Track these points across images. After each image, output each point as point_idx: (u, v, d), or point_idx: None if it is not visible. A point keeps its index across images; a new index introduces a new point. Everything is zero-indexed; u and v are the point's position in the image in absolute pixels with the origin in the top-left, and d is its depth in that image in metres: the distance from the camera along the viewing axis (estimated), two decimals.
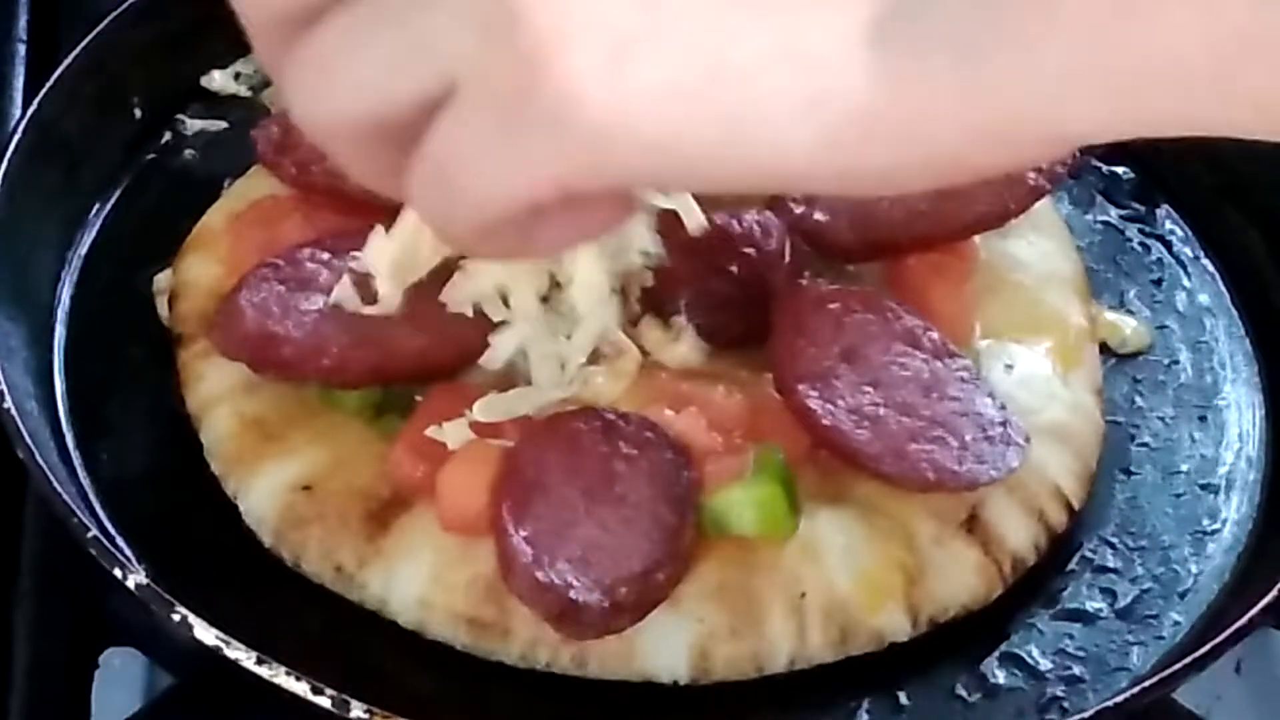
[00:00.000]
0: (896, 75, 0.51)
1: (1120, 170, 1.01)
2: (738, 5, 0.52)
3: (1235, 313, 0.96)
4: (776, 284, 0.85)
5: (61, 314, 0.90)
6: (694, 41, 0.52)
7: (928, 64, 0.51)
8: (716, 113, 0.52)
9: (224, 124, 0.99)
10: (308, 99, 0.57)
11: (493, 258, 0.73)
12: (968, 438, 0.81)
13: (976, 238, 0.91)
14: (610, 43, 0.51)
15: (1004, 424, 0.82)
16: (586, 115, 0.52)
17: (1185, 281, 0.97)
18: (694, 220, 0.79)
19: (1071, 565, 0.85)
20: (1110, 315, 0.94)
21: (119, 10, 0.97)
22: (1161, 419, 0.91)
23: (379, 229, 0.80)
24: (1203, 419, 0.91)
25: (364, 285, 0.81)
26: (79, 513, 0.77)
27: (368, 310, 0.82)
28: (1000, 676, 0.81)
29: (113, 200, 0.95)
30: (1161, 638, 0.83)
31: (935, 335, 0.84)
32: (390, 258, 0.80)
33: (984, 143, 0.52)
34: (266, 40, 0.58)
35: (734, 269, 0.85)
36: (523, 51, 0.52)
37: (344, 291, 0.82)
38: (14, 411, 0.80)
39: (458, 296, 0.83)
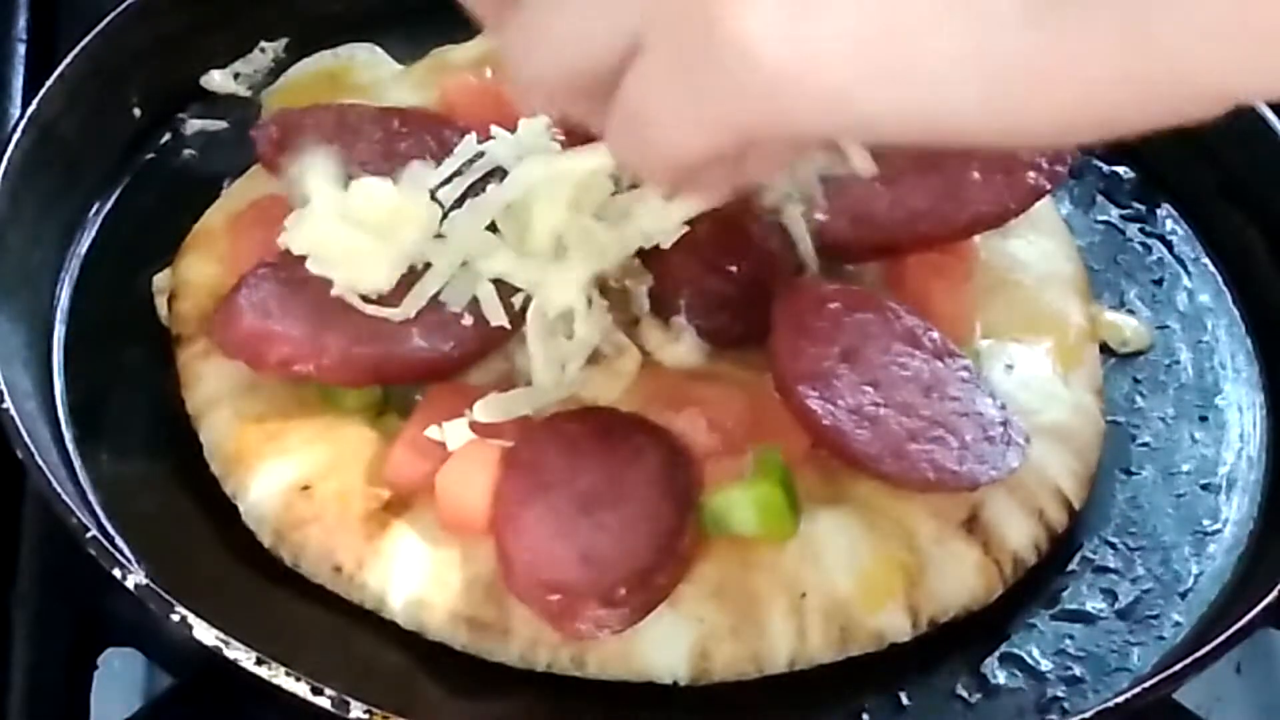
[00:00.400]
0: (1061, 30, 0.52)
1: (1120, 170, 1.01)
2: None
3: (1235, 313, 0.96)
4: (776, 284, 0.85)
5: (61, 314, 0.90)
6: None
7: (1091, 17, 0.52)
8: (888, 67, 0.54)
9: (224, 124, 0.99)
10: (519, 60, 0.63)
11: (687, 195, 0.77)
12: (968, 438, 0.81)
13: (976, 238, 0.91)
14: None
15: (1004, 424, 0.82)
16: (764, 69, 0.54)
17: (1185, 281, 0.97)
18: (863, 163, 0.79)
19: (1072, 565, 0.85)
20: (1110, 315, 0.94)
21: (119, 10, 0.97)
22: (1162, 419, 0.91)
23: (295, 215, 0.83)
24: (1203, 419, 0.91)
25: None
26: (79, 513, 0.77)
27: (369, 310, 0.82)
28: (1000, 676, 0.80)
29: (113, 200, 0.95)
30: (1162, 638, 0.82)
31: (935, 335, 0.84)
32: (307, 239, 0.82)
33: (1146, 98, 0.54)
34: (485, 8, 0.65)
35: (734, 269, 0.85)
36: (702, 8, 0.54)
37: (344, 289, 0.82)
38: (14, 411, 0.80)
39: (457, 296, 0.83)
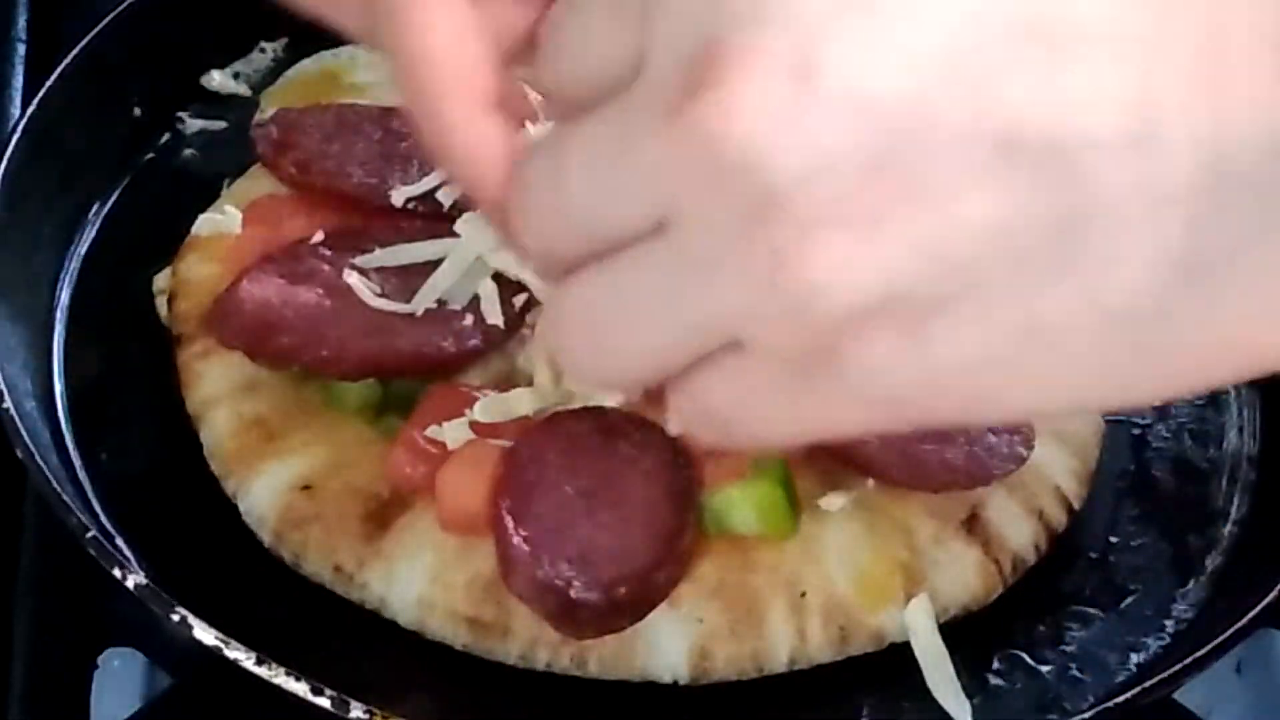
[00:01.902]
0: (1205, 316, 0.49)
1: None
2: (1030, 261, 0.48)
3: None
4: None
5: (61, 314, 0.90)
6: (993, 306, 0.49)
7: (1237, 305, 0.49)
8: (1025, 370, 0.50)
9: (224, 124, 0.99)
10: (578, 358, 0.54)
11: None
12: (973, 431, 0.81)
13: None
14: (910, 316, 0.49)
15: None
16: (890, 384, 0.50)
17: None
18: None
19: (1072, 565, 0.85)
20: None
21: (119, 10, 0.97)
22: (1161, 418, 0.91)
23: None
24: (1203, 418, 0.91)
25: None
26: (79, 513, 0.77)
27: (376, 303, 0.82)
28: (1000, 677, 0.80)
29: (113, 200, 0.95)
30: (1162, 638, 0.82)
31: None
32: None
33: (1266, 359, 0.51)
34: (544, 271, 0.55)
35: None
36: (819, 328, 0.49)
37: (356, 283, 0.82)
38: (14, 411, 0.80)
39: (459, 294, 0.84)
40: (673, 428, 0.55)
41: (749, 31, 0.47)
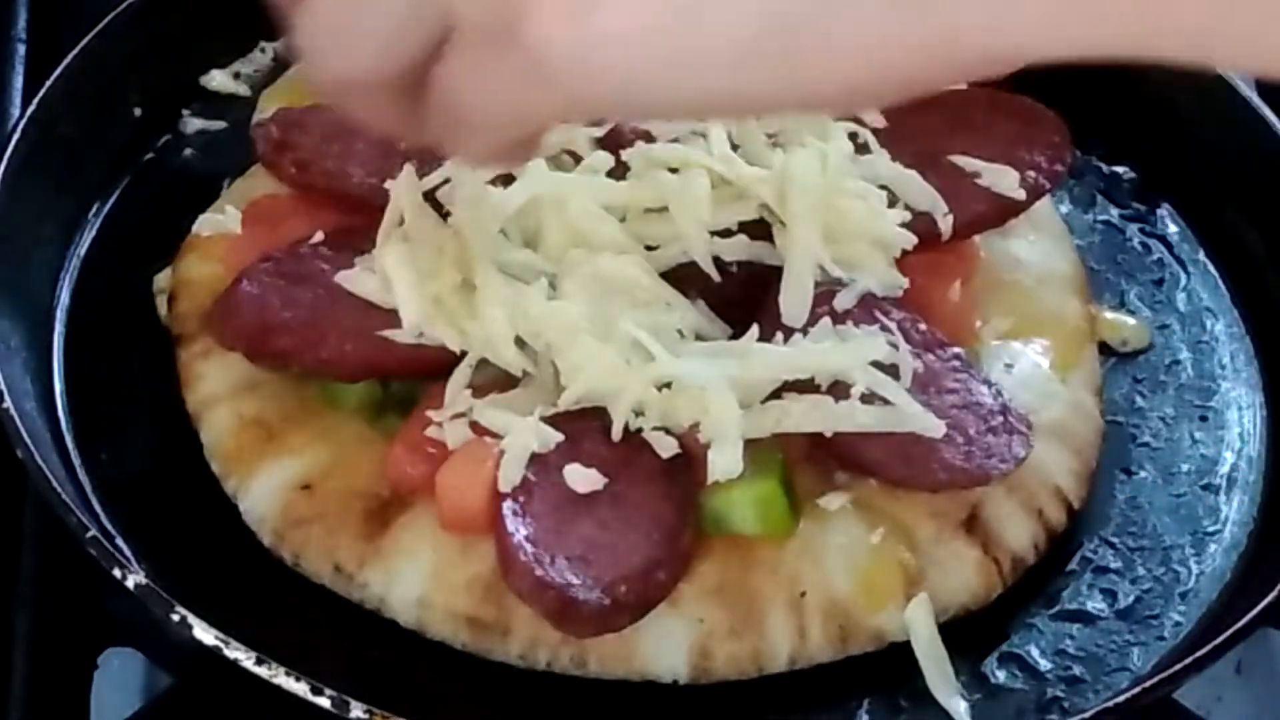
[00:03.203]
0: (840, 3, 0.55)
1: (1120, 170, 1.01)
2: None
3: (1235, 312, 0.96)
4: (773, 283, 0.85)
5: (61, 314, 0.90)
6: None
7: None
8: (672, 50, 0.57)
9: (224, 124, 0.99)
10: (322, 59, 0.63)
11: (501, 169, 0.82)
12: (971, 431, 0.81)
13: (976, 237, 0.90)
14: None
15: (1004, 411, 0.82)
16: (557, 57, 0.57)
17: (1185, 281, 0.97)
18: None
19: (1071, 565, 0.85)
20: (1110, 315, 0.94)
21: (119, 10, 0.97)
22: (1162, 419, 0.91)
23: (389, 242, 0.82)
24: (1203, 419, 0.91)
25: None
26: (79, 513, 0.77)
27: (377, 300, 0.82)
28: (1000, 676, 0.80)
29: (113, 200, 0.95)
30: (1162, 638, 0.82)
31: (923, 327, 0.84)
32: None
33: (926, 61, 0.56)
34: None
35: (734, 268, 0.85)
36: (506, 6, 0.57)
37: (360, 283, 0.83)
38: (14, 411, 0.80)
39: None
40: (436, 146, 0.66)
41: None
